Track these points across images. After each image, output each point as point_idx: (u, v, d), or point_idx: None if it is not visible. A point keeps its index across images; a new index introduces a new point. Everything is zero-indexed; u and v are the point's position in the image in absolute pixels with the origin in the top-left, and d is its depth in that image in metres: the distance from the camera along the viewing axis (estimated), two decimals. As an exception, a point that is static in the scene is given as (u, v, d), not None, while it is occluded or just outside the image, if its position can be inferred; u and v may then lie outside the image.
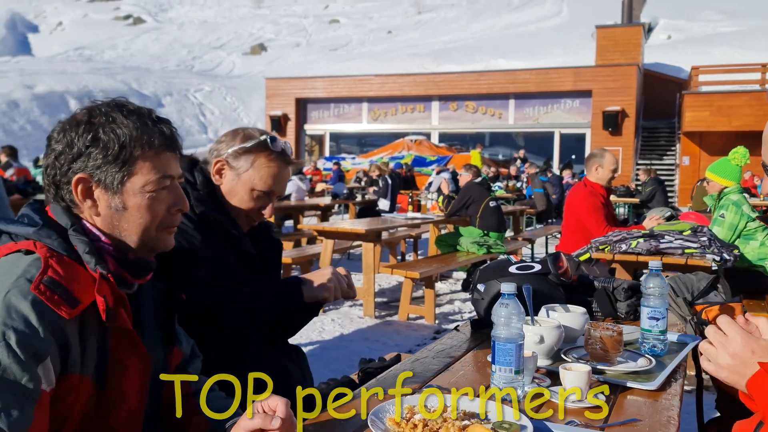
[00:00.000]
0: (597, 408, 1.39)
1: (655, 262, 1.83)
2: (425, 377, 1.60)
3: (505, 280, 2.12)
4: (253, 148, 1.73)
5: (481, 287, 2.19)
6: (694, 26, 33.50)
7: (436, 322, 5.62)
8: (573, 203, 4.93)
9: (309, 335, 5.14)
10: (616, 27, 22.96)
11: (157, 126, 1.22)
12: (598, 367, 1.62)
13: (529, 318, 1.74)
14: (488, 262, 3.89)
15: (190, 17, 59.94)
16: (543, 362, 1.68)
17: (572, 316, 1.84)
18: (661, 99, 21.99)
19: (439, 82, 22.79)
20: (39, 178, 9.00)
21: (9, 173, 8.71)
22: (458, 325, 2.13)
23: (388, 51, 38.13)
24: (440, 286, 7.09)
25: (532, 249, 8.66)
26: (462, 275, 7.29)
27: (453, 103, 23.03)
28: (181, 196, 1.27)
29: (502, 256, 7.39)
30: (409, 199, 7.33)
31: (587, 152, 21.25)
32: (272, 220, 7.71)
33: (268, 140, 1.73)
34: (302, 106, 24.99)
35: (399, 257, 8.60)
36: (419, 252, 8.98)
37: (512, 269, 2.17)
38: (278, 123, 24.50)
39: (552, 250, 5.80)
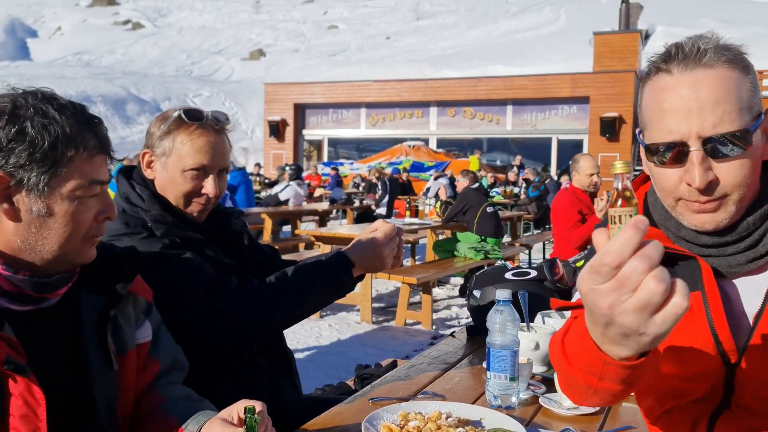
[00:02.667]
0: (593, 415, 1.39)
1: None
2: (420, 384, 1.60)
3: (501, 287, 2.13)
4: (170, 127, 1.54)
5: (477, 293, 2.19)
6: (692, 34, 33.60)
7: (433, 327, 5.61)
8: (555, 210, 4.99)
9: (306, 341, 5.13)
10: (613, 33, 23.01)
11: (91, 125, 1.11)
12: (594, 373, 1.62)
13: (524, 324, 1.74)
14: (485, 267, 3.88)
15: (189, 22, 60.04)
16: (538, 369, 1.68)
17: (568, 322, 1.84)
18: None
19: (437, 88, 22.82)
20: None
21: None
22: (454, 331, 2.13)
23: (386, 57, 38.22)
24: (437, 292, 7.09)
25: (529, 255, 8.67)
26: (459, 281, 7.29)
27: (451, 108, 23.06)
28: (109, 203, 1.15)
29: (499, 262, 7.38)
30: (407, 205, 7.33)
31: (585, 158, 21.28)
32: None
33: (182, 113, 1.55)
34: (300, 111, 25.01)
35: (396, 263, 8.59)
36: (417, 257, 8.98)
37: (508, 275, 2.17)
38: (277, 128, 24.51)
39: (548, 255, 5.86)
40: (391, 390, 1.55)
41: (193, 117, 1.55)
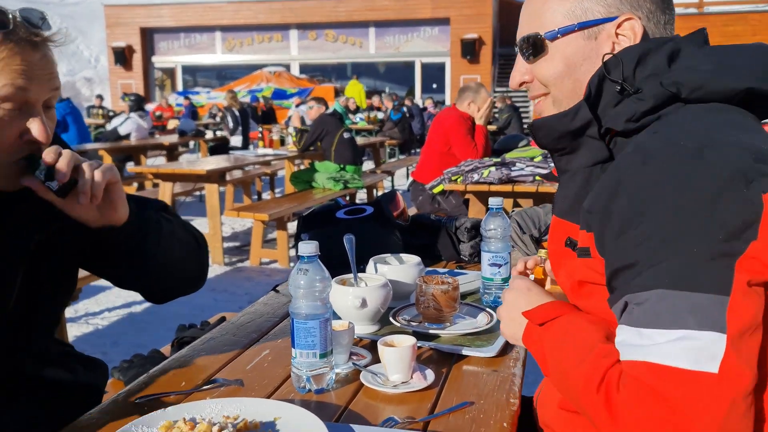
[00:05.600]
0: (427, 389, 1.12)
1: (495, 200, 1.57)
2: (216, 365, 1.25)
3: (332, 229, 1.80)
4: None
5: (305, 237, 1.86)
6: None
7: (291, 265, 5.29)
8: (444, 125, 4.78)
9: (147, 291, 4.62)
10: (471, -47, 22.88)
11: None
12: (431, 331, 1.35)
13: (351, 276, 1.43)
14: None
15: (11, -65, 52.70)
16: (367, 329, 1.38)
17: (404, 268, 1.55)
18: (516, 26, 22.43)
19: (296, 9, 21.71)
20: None
21: None
22: (277, 285, 1.78)
23: (242, -24, 35.77)
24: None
25: (392, 181, 8.50)
26: (320, 212, 6.98)
27: (312, 31, 22.13)
28: None
29: (359, 191, 7.11)
30: (259, 135, 6.81)
31: (447, 81, 21.45)
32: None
33: None
34: (148, 36, 22.94)
35: (255, 197, 8.10)
36: (277, 191, 8.53)
37: (340, 214, 1.84)
38: (123, 55, 22.39)
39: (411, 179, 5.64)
40: (173, 380, 1.18)
41: None
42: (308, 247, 1.10)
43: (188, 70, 23.79)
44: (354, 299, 1.34)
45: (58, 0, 38.41)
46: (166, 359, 2.04)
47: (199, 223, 6.84)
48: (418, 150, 14.82)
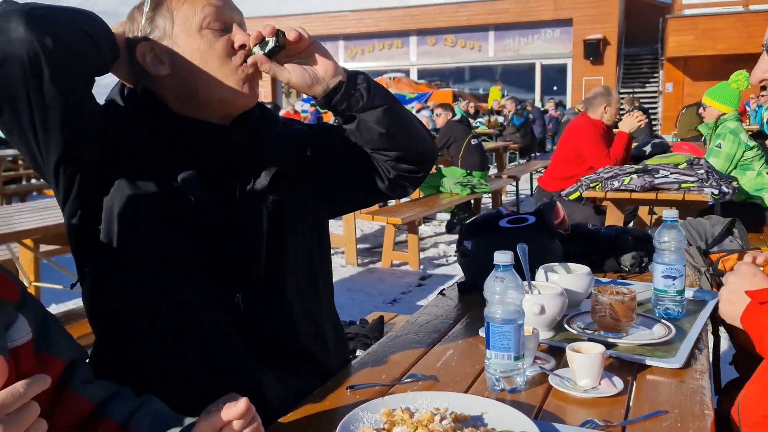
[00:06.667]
0: (616, 396, 1.16)
1: (669, 212, 1.58)
2: (407, 362, 1.36)
3: (495, 237, 1.87)
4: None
5: (467, 244, 1.94)
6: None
7: (421, 267, 5.42)
8: (574, 134, 4.78)
9: (289, 289, 4.92)
10: (596, -50, 22.13)
11: None
12: (609, 339, 1.38)
13: (526, 284, 1.50)
14: (474, 209, 3.60)
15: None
16: (544, 335, 1.44)
17: (575, 277, 1.59)
18: (643, 24, 21.41)
19: (416, 16, 22.03)
20: None
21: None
22: (444, 290, 1.88)
23: (362, -15, 36.76)
24: (424, 229, 6.87)
25: (517, 186, 8.44)
26: (446, 217, 7.06)
27: (431, 37, 22.35)
28: None
29: (485, 196, 7.11)
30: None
31: (569, 83, 20.88)
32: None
33: None
34: (276, 46, 24.15)
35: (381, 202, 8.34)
36: (401, 194, 8.72)
37: (503, 223, 1.91)
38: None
39: (536, 185, 5.61)
40: (373, 372, 1.31)
41: None
42: (504, 257, 1.19)
43: (312, 77, 24.79)
44: (532, 306, 1.40)
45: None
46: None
47: (334, 225, 7.16)
48: (538, 154, 14.56)
